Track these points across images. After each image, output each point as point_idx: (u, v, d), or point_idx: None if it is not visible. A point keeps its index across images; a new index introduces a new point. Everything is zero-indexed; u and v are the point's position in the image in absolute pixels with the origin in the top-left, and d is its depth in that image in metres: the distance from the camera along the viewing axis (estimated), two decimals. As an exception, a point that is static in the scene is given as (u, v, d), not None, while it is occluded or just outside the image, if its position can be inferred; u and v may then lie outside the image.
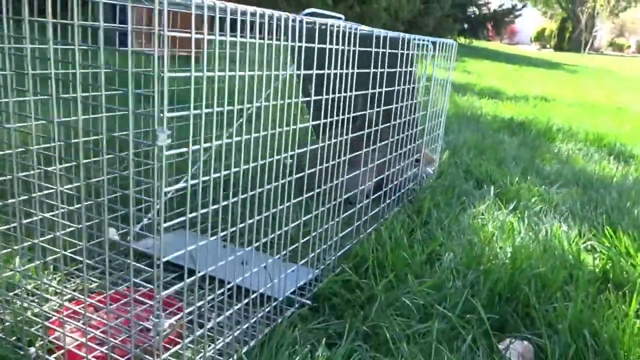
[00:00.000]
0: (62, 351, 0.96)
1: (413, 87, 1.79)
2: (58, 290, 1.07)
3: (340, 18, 1.77)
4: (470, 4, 19.07)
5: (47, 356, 0.96)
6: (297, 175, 1.20)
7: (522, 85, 7.08)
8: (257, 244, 1.07)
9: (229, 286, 0.97)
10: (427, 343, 1.15)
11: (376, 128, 1.55)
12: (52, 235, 0.96)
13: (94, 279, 1.29)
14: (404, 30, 14.57)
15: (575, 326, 1.18)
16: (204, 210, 0.88)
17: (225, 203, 0.98)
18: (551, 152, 3.04)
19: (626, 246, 1.67)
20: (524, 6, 21.77)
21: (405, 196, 1.95)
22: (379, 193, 1.74)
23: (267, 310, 1.16)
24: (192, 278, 0.88)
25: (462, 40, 19.36)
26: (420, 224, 1.75)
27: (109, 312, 0.90)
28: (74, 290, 1.22)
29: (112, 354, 0.90)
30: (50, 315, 1.01)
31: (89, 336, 0.92)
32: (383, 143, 1.63)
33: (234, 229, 1.02)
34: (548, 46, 36.56)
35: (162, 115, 0.72)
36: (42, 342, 0.97)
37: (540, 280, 1.36)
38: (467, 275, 1.40)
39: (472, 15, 19.33)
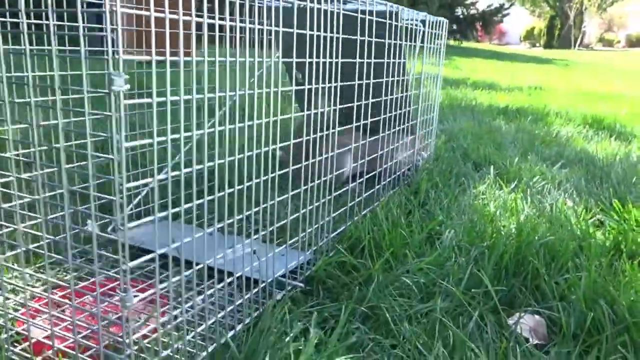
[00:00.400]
0: (28, 343, 0.87)
1: (403, 62, 1.71)
2: (29, 282, 0.98)
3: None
4: (457, 4, 19.14)
5: (12, 348, 0.87)
6: (277, 144, 1.11)
7: (515, 78, 7.03)
8: (237, 227, 0.98)
9: (198, 267, 0.87)
10: (431, 322, 1.05)
11: (364, 103, 1.46)
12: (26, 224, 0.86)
13: (68, 272, 1.19)
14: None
15: (590, 296, 1.09)
16: (188, 205, 0.80)
17: (211, 197, 0.89)
18: (550, 135, 2.96)
19: (637, 218, 1.59)
20: (511, 5, 21.87)
21: (402, 179, 1.86)
22: (369, 174, 1.64)
23: (254, 293, 1.06)
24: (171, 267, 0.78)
25: (451, 41, 19.40)
26: (418, 204, 1.66)
27: (74, 307, 0.81)
28: (45, 284, 1.12)
29: (82, 343, 0.80)
30: (18, 307, 0.92)
31: (54, 328, 0.83)
32: (371, 120, 1.54)
33: (219, 220, 0.93)
34: (538, 44, 36.72)
35: (117, 56, 0.63)
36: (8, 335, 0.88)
37: (549, 252, 1.27)
38: (470, 251, 1.31)
39: (461, 16, 19.39)
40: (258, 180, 1.04)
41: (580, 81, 7.66)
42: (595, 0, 32.34)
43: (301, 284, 1.18)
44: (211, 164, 0.90)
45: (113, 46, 0.62)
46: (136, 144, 0.73)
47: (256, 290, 1.07)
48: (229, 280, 0.97)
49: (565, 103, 4.46)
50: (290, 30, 1.08)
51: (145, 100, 0.72)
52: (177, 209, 0.82)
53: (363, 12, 1.38)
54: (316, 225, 1.29)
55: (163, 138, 0.82)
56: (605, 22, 40.95)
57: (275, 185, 1.09)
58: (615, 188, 1.92)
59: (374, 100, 1.53)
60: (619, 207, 1.66)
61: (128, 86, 0.65)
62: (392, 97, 1.66)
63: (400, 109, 1.76)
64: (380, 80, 1.57)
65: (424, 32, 1.87)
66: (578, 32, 33.16)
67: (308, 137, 1.24)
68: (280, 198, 1.12)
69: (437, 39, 2.02)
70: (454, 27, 19.36)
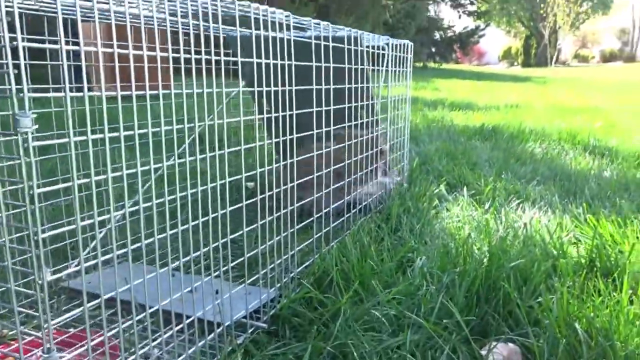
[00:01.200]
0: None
1: (367, 87, 1.69)
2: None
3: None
4: (435, 28, 19.56)
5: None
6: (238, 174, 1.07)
7: (493, 97, 7.11)
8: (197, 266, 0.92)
9: (151, 310, 0.82)
10: (401, 358, 1.00)
11: (328, 130, 1.43)
12: None
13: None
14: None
15: (564, 319, 1.05)
16: (136, 246, 0.75)
17: (172, 231, 0.84)
18: (525, 152, 2.96)
19: (611, 234, 1.56)
20: (487, 26, 22.37)
21: (372, 206, 1.82)
22: (337, 203, 1.60)
23: (212, 338, 1.00)
24: (95, 302, 0.73)
25: (431, 64, 19.74)
26: (390, 231, 1.62)
27: None
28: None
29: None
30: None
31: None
32: (337, 146, 1.51)
33: (177, 258, 0.87)
34: (516, 63, 37.50)
35: (22, 95, 0.59)
36: None
37: (520, 275, 1.23)
38: (441, 279, 1.26)
39: (439, 39, 19.78)
40: (222, 212, 1.00)
41: (557, 97, 7.77)
42: (568, 19, 33.24)
43: (264, 325, 1.12)
44: (171, 197, 0.86)
45: (18, 83, 0.58)
46: (48, 190, 0.68)
47: (213, 335, 1.01)
48: (180, 326, 0.91)
49: (541, 119, 4.49)
50: (250, 60, 1.05)
51: (59, 140, 0.67)
52: (124, 250, 0.77)
53: (324, 38, 1.36)
54: (279, 261, 1.24)
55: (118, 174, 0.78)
56: (579, 39, 42.03)
57: (243, 219, 1.04)
58: (590, 203, 1.90)
59: (338, 127, 1.50)
60: (593, 222, 1.63)
61: (36, 126, 0.61)
62: (357, 122, 1.63)
63: (368, 134, 1.73)
64: (345, 105, 1.54)
65: (387, 55, 1.86)
66: (554, 49, 33.98)
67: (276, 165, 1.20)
68: (233, 236, 1.07)
69: (403, 62, 2.01)
70: (433, 49, 19.74)
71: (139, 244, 0.82)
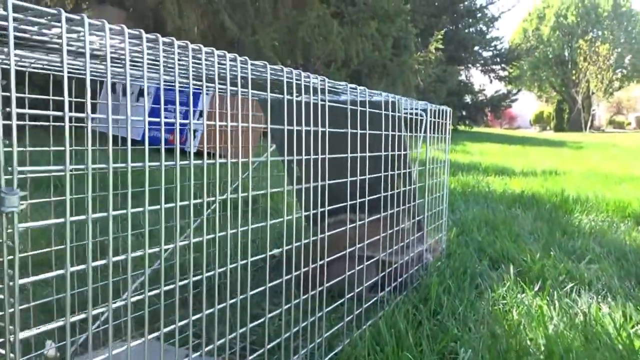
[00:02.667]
0: None
1: (404, 155, 1.57)
2: None
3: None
4: (466, 92, 19.67)
5: None
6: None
7: (528, 161, 6.92)
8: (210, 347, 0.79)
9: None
10: None
11: (363, 201, 1.31)
12: None
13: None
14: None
15: None
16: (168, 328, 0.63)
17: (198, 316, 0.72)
18: (572, 225, 2.75)
19: (687, 327, 1.35)
20: (518, 91, 22.40)
21: (410, 282, 1.66)
22: (372, 280, 1.45)
23: None
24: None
25: (462, 127, 19.71)
26: (429, 314, 1.44)
27: None
28: None
29: None
30: None
31: None
32: (372, 218, 1.38)
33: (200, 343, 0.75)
34: (548, 128, 37.20)
35: (10, 168, 0.49)
36: None
37: (589, 381, 1.03)
38: (492, 379, 1.08)
39: (469, 102, 19.84)
40: (241, 297, 0.87)
41: (595, 163, 7.50)
42: (602, 85, 33.09)
43: None
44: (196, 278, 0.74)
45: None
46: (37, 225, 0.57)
47: None
48: None
49: (583, 187, 4.27)
50: (281, 127, 0.96)
51: (55, 221, 0.56)
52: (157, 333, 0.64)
53: (360, 103, 1.26)
54: (304, 351, 1.08)
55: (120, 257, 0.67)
56: (614, 105, 41.62)
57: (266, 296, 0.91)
58: (655, 288, 1.69)
59: (374, 197, 1.38)
60: (664, 313, 1.42)
61: (23, 206, 0.50)
62: (395, 191, 1.51)
63: (405, 203, 1.60)
64: (382, 174, 1.42)
65: (427, 121, 1.75)
66: (587, 115, 33.63)
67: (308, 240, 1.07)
68: (253, 325, 0.93)
69: (442, 127, 1.90)
70: (463, 113, 19.76)
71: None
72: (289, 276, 1.02)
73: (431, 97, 16.31)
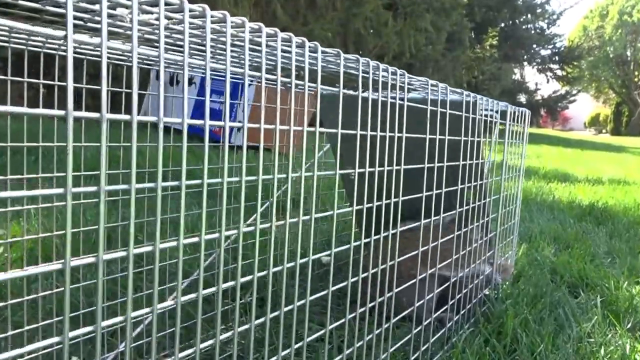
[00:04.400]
0: None
1: (482, 163, 1.37)
2: None
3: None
4: (519, 90, 18.90)
5: None
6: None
7: (589, 167, 6.47)
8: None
9: None
10: None
11: (436, 218, 1.11)
12: None
13: None
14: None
15: None
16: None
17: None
18: (654, 244, 2.45)
19: None
20: (578, 92, 21.34)
21: (478, 308, 1.45)
22: (442, 309, 1.25)
23: None
24: None
25: (514, 128, 18.93)
26: (504, 353, 1.24)
27: None
28: None
29: None
30: None
31: None
32: (446, 238, 1.19)
33: None
34: (604, 131, 35.48)
35: None
36: None
37: None
38: None
39: (524, 102, 19.06)
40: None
41: (665, 173, 6.94)
42: (666, 87, 31.16)
43: None
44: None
45: None
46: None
47: None
48: None
49: (657, 200, 3.89)
50: (348, 132, 0.78)
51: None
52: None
53: (432, 102, 1.07)
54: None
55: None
56: (678, 109, 39.14)
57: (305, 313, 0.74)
58: None
59: (443, 215, 1.18)
60: None
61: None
62: (468, 207, 1.30)
63: (479, 219, 1.39)
64: (454, 187, 1.22)
65: (508, 125, 1.54)
66: (649, 118, 31.77)
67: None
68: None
69: (518, 134, 1.68)
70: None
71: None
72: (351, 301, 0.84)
73: (483, 94, 15.68)
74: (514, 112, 1.63)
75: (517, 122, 1.66)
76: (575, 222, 2.78)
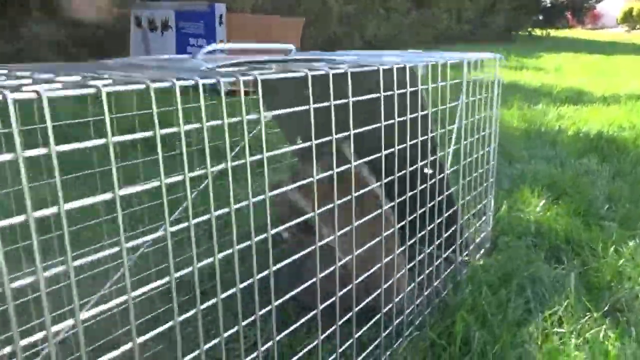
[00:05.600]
0: None
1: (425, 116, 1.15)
2: None
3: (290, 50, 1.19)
4: (544, -8, 17.59)
5: None
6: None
7: (612, 80, 5.99)
8: None
9: None
10: None
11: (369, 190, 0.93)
12: None
13: None
14: (468, 30, 13.51)
15: None
16: None
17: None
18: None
19: None
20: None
21: (433, 297, 1.29)
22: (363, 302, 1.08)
23: None
24: None
25: (537, 32, 17.80)
26: (454, 354, 1.09)
27: None
28: None
29: None
30: None
31: None
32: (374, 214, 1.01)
33: None
34: (638, 27, 33.13)
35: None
36: None
37: None
38: None
39: (548, 5, 17.80)
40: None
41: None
42: None
43: None
44: None
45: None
46: None
47: None
48: None
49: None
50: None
51: None
52: None
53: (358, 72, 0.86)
54: None
55: None
56: None
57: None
58: None
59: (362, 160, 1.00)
60: None
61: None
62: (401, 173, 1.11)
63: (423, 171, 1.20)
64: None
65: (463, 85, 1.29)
66: (688, 10, 29.38)
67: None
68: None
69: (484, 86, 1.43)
70: (540, 17, 17.84)
71: None
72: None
73: (503, 2, 14.62)
74: (475, 62, 1.37)
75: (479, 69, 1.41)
76: (576, 161, 2.53)
